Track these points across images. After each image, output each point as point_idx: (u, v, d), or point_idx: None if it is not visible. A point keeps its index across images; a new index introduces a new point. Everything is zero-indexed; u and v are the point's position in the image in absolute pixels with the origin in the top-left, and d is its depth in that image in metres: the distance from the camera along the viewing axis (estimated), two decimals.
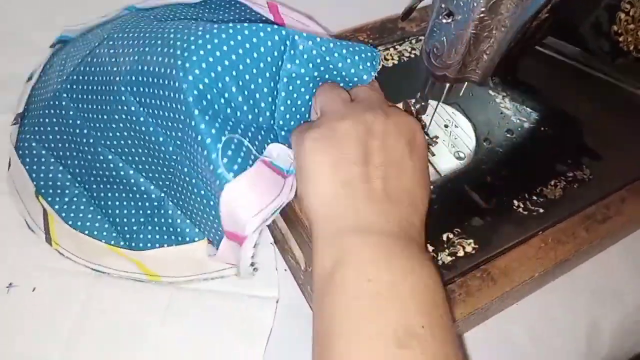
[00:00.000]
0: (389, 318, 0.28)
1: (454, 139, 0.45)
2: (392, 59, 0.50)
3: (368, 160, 0.33)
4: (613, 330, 0.47)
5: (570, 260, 0.41)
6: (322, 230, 0.32)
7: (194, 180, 0.37)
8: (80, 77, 0.41)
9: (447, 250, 0.39)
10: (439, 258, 0.39)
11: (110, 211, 0.43)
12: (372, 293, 0.29)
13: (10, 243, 0.44)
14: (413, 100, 0.41)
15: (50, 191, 0.44)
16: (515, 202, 0.42)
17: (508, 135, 0.46)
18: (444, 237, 0.40)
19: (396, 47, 0.51)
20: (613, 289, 0.48)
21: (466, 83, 0.38)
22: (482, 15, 0.32)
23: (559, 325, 0.46)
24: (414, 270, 0.30)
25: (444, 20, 0.33)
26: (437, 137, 0.45)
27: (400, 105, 0.42)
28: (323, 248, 0.32)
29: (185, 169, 0.38)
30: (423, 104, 0.41)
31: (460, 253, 0.39)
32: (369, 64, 0.39)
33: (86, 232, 0.43)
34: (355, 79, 0.39)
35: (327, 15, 0.55)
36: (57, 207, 0.43)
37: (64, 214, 0.43)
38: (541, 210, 0.42)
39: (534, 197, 0.43)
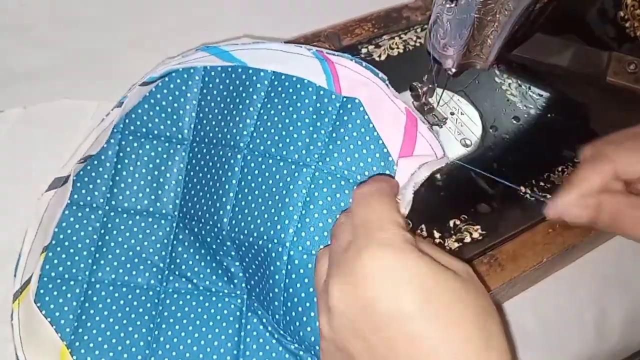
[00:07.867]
0: None
1: (460, 126, 0.45)
2: (398, 48, 0.50)
3: None
4: (622, 319, 0.47)
5: (578, 246, 0.41)
6: None
7: None
8: None
9: (454, 237, 0.39)
10: (446, 244, 0.39)
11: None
12: None
13: None
14: (420, 84, 0.41)
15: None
16: (522, 189, 0.42)
17: (514, 122, 0.46)
18: (451, 223, 0.40)
19: (401, 36, 0.51)
20: (621, 277, 0.48)
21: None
22: None
23: (568, 313, 0.46)
24: None
25: (448, 5, 0.33)
26: (446, 119, 0.44)
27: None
28: None
29: None
30: (430, 86, 0.41)
31: (467, 239, 0.39)
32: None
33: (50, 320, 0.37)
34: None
35: (332, 5, 0.54)
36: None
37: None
38: (548, 196, 0.42)
39: (541, 183, 0.43)
